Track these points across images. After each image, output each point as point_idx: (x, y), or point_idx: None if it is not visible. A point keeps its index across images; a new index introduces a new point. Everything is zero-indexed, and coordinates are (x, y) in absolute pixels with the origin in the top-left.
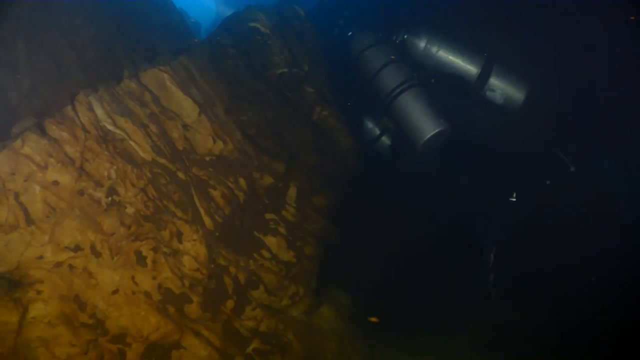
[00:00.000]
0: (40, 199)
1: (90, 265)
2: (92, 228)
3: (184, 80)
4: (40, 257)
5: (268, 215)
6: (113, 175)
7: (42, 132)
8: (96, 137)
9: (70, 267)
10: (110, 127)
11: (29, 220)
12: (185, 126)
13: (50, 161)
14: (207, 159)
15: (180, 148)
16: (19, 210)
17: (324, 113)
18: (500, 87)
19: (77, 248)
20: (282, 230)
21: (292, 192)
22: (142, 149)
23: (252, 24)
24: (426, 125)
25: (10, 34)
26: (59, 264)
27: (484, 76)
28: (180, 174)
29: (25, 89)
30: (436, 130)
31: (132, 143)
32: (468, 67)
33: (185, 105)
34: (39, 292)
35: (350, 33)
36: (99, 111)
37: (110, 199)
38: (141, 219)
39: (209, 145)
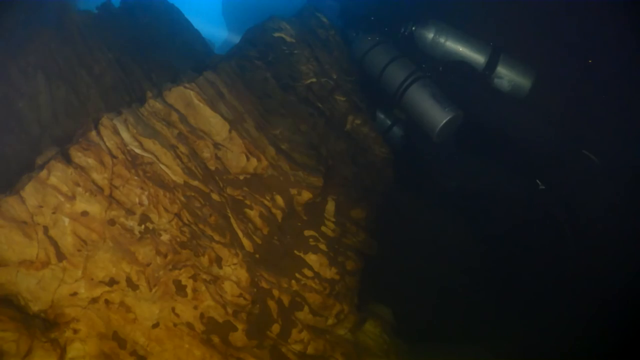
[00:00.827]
0: (70, 232)
1: (128, 299)
2: (127, 259)
3: (212, 97)
4: (75, 294)
5: (307, 232)
6: (145, 202)
7: (68, 160)
8: (124, 162)
9: (107, 302)
10: (138, 151)
11: (60, 255)
12: (216, 145)
13: (78, 191)
14: (241, 177)
15: (213, 168)
16: (49, 245)
17: (357, 122)
18: (507, 75)
19: (112, 282)
20: (322, 246)
21: (331, 206)
22: (173, 172)
23: (277, 34)
24: (438, 114)
25: (31, 66)
26: (94, 300)
27: (491, 64)
28: (215, 196)
29: (46, 120)
30: (448, 118)
31: (162, 166)
32: (476, 56)
33: (215, 123)
34: (75, 331)
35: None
36: (125, 134)
37: (143, 227)
38: (178, 246)
39: (242, 164)
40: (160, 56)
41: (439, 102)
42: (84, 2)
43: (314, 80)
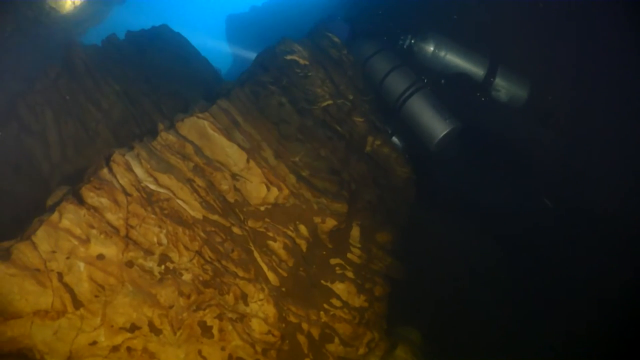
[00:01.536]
0: (86, 277)
1: (151, 345)
2: (148, 303)
3: (227, 126)
4: (94, 343)
5: (333, 261)
6: (164, 241)
7: (80, 201)
8: (140, 200)
9: (129, 349)
10: (153, 187)
11: (77, 303)
12: (234, 176)
13: (93, 233)
14: (262, 208)
15: (232, 200)
16: (65, 292)
17: (377, 143)
18: (505, 87)
19: (133, 327)
20: (349, 274)
21: (355, 232)
22: (191, 207)
23: (290, 57)
24: (438, 125)
25: (39, 103)
26: (115, 348)
27: (489, 77)
28: (236, 229)
29: (56, 157)
30: (448, 129)
31: (179, 201)
32: (475, 69)
33: (232, 153)
34: None
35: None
36: (139, 170)
37: (163, 267)
38: (201, 285)
39: (262, 194)
40: (169, 86)
41: (440, 113)
42: (90, 37)
43: (330, 102)
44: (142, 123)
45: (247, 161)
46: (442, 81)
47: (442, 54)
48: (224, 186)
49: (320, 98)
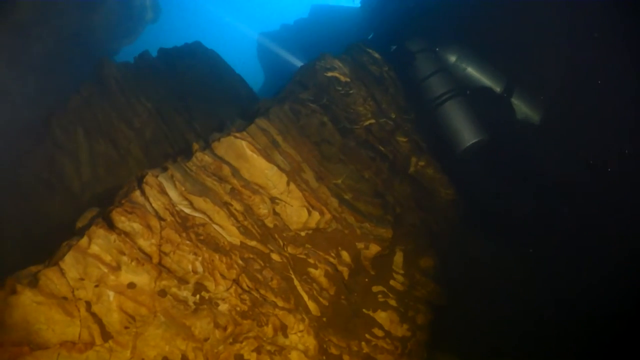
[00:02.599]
0: (116, 307)
1: None
2: (182, 335)
3: (266, 146)
4: None
5: (376, 288)
6: (199, 269)
7: (110, 225)
8: (174, 225)
9: None
10: (188, 211)
11: (106, 334)
12: (274, 199)
13: (123, 260)
14: (303, 234)
15: (271, 225)
16: (93, 323)
17: (421, 163)
18: (520, 107)
19: None
20: (392, 302)
21: (399, 257)
22: (228, 232)
23: (330, 74)
24: (468, 133)
25: (71, 122)
26: None
27: (506, 95)
28: (275, 256)
29: (87, 176)
30: (478, 139)
31: (215, 226)
32: (493, 86)
33: (271, 175)
34: None
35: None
36: (173, 193)
37: (198, 297)
38: (238, 316)
39: (303, 219)
40: (203, 104)
41: (473, 121)
42: (123, 55)
43: (372, 121)
44: (175, 142)
45: (287, 184)
46: (467, 92)
47: (463, 66)
48: (263, 210)
49: (362, 117)
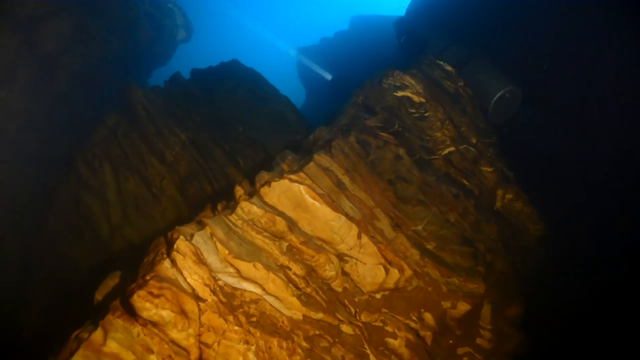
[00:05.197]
0: None
1: None
2: None
3: (330, 190)
4: None
5: (461, 350)
6: None
7: (131, 312)
8: (216, 306)
9: None
10: (233, 282)
11: None
12: (342, 256)
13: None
14: (378, 296)
15: (339, 289)
16: None
17: (508, 196)
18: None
19: None
20: None
21: (486, 311)
22: (287, 305)
23: (401, 93)
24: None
25: (97, 157)
26: None
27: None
28: (346, 327)
29: (116, 218)
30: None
31: (270, 299)
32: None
33: (338, 227)
34: None
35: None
36: (213, 258)
37: None
38: None
39: (379, 279)
40: (245, 132)
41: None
42: (155, 79)
43: (452, 149)
44: (215, 178)
45: (358, 236)
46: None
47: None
48: (329, 272)
49: (440, 144)
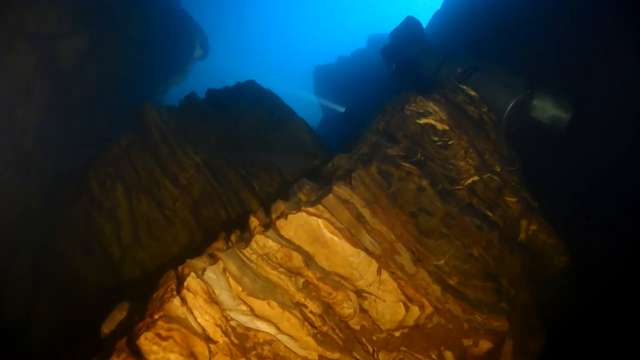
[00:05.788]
0: None
1: None
2: None
3: (349, 224)
4: None
5: None
6: None
7: (138, 354)
8: (228, 349)
9: None
10: (246, 321)
11: None
12: (360, 292)
13: None
14: (397, 334)
15: (357, 327)
16: None
17: (533, 227)
18: (543, 107)
19: None
20: None
21: (508, 347)
22: (302, 345)
23: (424, 121)
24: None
25: (109, 177)
26: None
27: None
28: None
29: (128, 240)
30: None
31: (284, 339)
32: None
33: (357, 263)
34: None
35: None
36: (226, 295)
37: None
38: None
39: (398, 316)
40: (260, 155)
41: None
42: (171, 96)
43: (476, 178)
44: (229, 203)
45: (378, 272)
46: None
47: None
48: (347, 310)
49: (464, 173)
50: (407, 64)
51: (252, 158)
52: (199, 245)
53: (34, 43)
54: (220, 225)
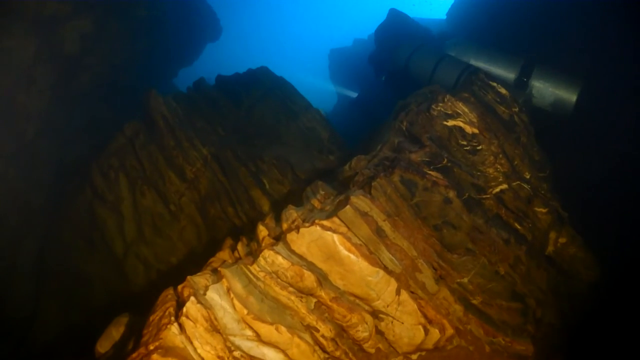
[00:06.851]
0: None
1: None
2: None
3: (368, 239)
4: None
5: None
6: None
7: None
8: None
9: None
10: (249, 347)
11: None
12: (376, 314)
13: None
14: (415, 357)
15: (372, 350)
16: None
17: (562, 240)
18: (545, 89)
19: None
20: None
21: None
22: None
23: (452, 123)
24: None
25: (113, 168)
26: None
27: (522, 78)
28: None
29: (131, 235)
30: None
31: None
32: (503, 72)
33: (375, 283)
34: None
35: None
36: (229, 319)
37: None
38: None
39: (417, 340)
40: (271, 148)
41: None
42: (181, 79)
43: (504, 186)
44: (237, 200)
45: (397, 292)
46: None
47: (466, 59)
48: (362, 333)
49: (492, 181)
50: (398, 74)
51: (263, 152)
52: (205, 245)
53: (34, 27)
54: (227, 224)
